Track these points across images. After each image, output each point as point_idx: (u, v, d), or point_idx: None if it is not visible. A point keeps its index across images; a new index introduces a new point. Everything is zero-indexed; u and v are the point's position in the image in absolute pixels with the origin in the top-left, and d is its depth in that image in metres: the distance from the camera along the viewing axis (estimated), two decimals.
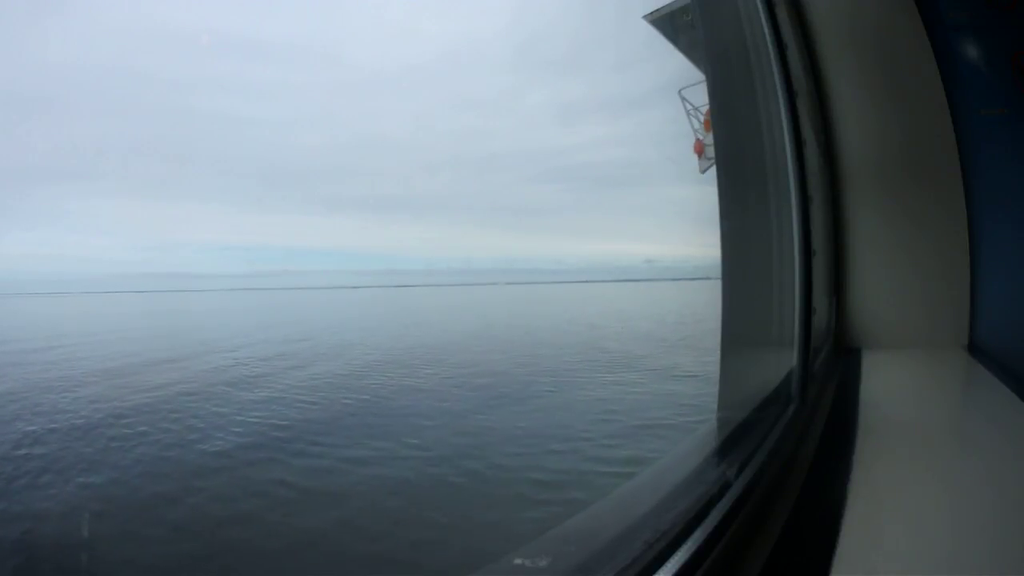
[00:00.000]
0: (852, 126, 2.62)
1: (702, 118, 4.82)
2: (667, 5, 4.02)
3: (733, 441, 1.10)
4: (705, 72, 1.43)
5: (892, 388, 2.05)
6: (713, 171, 1.33)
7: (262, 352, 15.26)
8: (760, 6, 1.56)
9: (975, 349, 2.47)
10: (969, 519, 0.91)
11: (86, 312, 48.71)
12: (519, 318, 30.08)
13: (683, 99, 5.00)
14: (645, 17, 4.15)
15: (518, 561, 0.62)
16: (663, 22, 4.10)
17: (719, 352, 1.29)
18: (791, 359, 1.43)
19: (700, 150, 4.47)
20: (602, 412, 7.79)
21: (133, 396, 9.03)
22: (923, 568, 0.77)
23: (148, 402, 8.66)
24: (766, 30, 1.57)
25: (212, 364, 13.14)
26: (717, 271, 1.30)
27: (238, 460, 5.84)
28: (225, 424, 7.22)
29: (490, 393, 9.26)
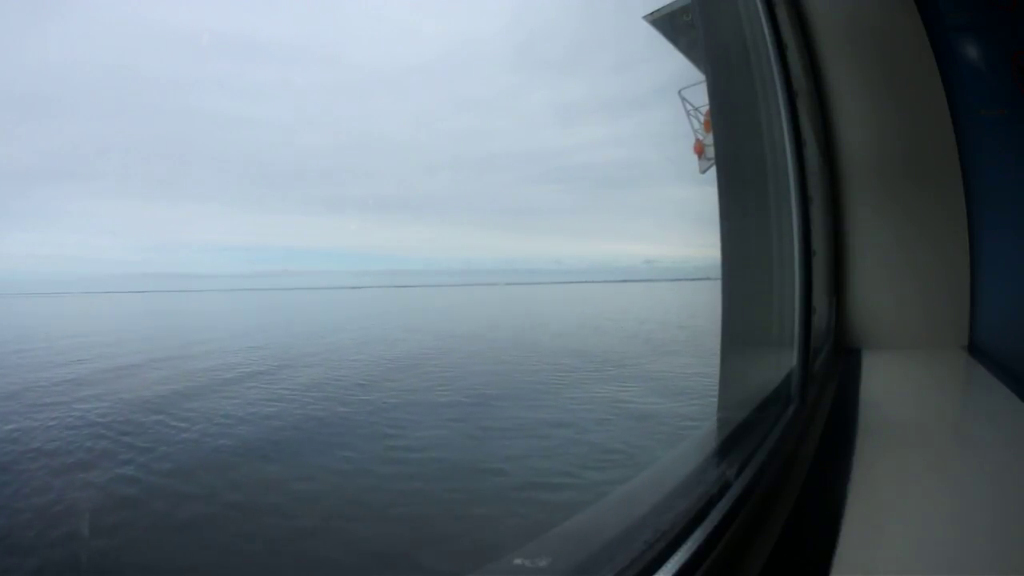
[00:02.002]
0: (852, 126, 2.62)
1: (702, 118, 4.82)
2: (667, 5, 4.02)
3: (733, 441, 1.10)
4: (705, 72, 1.43)
5: (892, 388, 2.05)
6: (713, 171, 1.33)
7: (208, 363, 14.19)
8: (760, 6, 1.56)
9: (975, 349, 2.47)
10: (969, 519, 0.91)
11: (76, 313, 47.94)
12: (504, 320, 29.71)
13: (683, 99, 5.01)
14: (645, 17, 4.15)
15: (518, 561, 0.62)
16: (663, 22, 4.10)
17: (719, 353, 1.29)
18: (791, 359, 1.43)
19: (700, 150, 4.46)
20: (500, 460, 6.23)
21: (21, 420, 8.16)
22: (923, 568, 0.77)
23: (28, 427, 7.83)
24: (766, 30, 1.57)
25: (147, 376, 11.98)
26: (717, 271, 1.30)
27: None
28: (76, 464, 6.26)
29: (397, 428, 7.68)
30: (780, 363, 1.44)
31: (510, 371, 12.14)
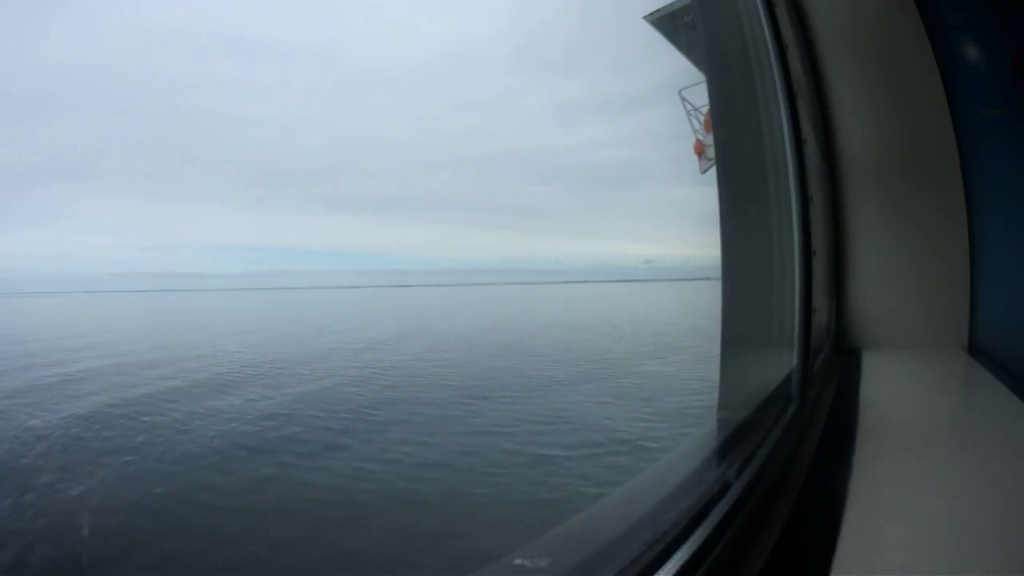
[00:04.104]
0: (852, 126, 2.62)
1: (702, 118, 4.81)
2: (667, 5, 4.02)
3: (733, 441, 1.10)
4: (705, 72, 1.43)
5: (892, 388, 2.05)
6: (713, 171, 1.33)
7: (145, 375, 12.64)
8: (760, 6, 1.56)
9: (975, 349, 2.47)
10: (969, 519, 0.91)
11: (59, 314, 46.74)
12: (487, 321, 28.97)
13: (683, 99, 5.00)
14: (645, 17, 4.14)
15: (518, 561, 0.62)
16: (663, 22, 4.10)
17: (719, 354, 1.29)
18: (791, 359, 1.43)
19: (700, 150, 4.46)
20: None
21: None
22: (923, 568, 0.77)
23: None
24: (766, 30, 1.57)
25: (65, 392, 10.71)
26: (717, 271, 1.30)
27: None
28: None
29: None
30: (780, 363, 1.44)
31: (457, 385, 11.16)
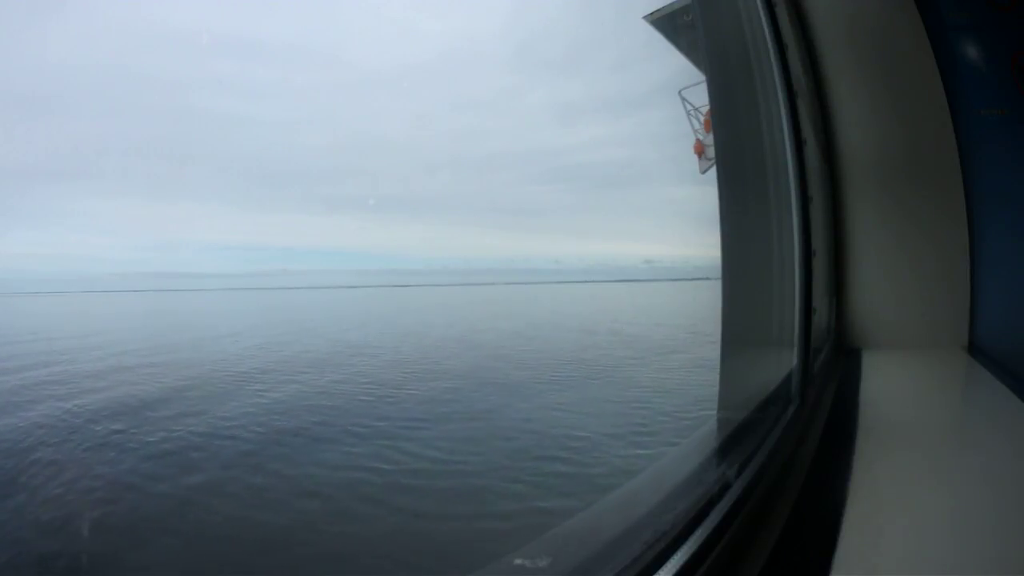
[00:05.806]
0: (852, 126, 2.62)
1: (702, 118, 4.81)
2: (667, 5, 4.02)
3: (733, 441, 1.10)
4: (705, 72, 1.43)
5: (892, 388, 2.05)
6: (713, 171, 1.33)
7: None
8: (760, 6, 1.56)
9: (975, 349, 2.47)
10: (969, 519, 0.91)
11: (50, 314, 46.22)
12: (471, 322, 28.36)
13: (683, 99, 5.00)
14: (645, 18, 4.15)
15: (518, 561, 0.63)
16: (663, 22, 4.10)
17: (719, 353, 1.29)
18: (791, 359, 1.43)
19: (700, 150, 4.46)
20: None
21: None
22: (923, 568, 0.77)
23: None
24: (766, 30, 1.57)
25: None
26: (716, 271, 1.30)
27: None
28: None
29: None
30: (780, 363, 1.44)
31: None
